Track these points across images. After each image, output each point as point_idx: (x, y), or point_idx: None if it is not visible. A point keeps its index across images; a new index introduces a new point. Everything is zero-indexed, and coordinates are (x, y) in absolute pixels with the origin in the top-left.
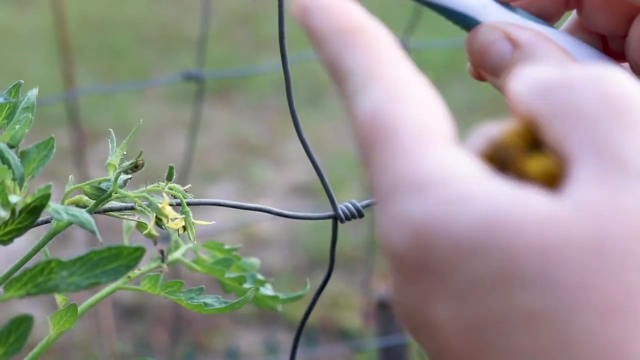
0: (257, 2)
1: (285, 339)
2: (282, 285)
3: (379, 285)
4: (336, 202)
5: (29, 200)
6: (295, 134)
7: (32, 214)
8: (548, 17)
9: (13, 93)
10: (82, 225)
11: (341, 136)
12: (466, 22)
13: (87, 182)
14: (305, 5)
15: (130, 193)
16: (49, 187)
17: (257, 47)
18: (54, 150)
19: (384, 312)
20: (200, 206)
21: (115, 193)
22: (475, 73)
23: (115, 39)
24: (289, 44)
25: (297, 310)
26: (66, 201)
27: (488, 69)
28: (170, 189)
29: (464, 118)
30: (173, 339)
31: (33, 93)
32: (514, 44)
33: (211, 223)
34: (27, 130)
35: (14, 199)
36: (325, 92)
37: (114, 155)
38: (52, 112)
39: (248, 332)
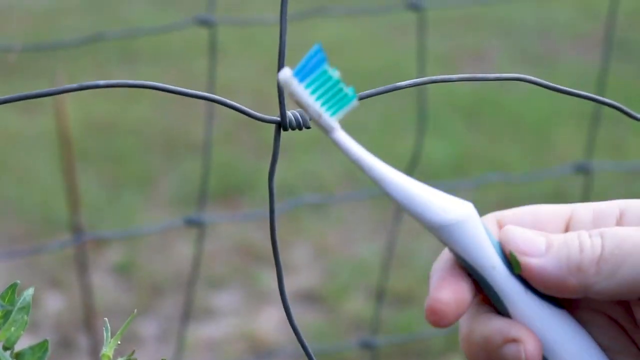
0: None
1: None
2: None
3: None
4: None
5: None
6: (301, 241)
7: None
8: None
9: (9, 295)
10: None
11: (345, 241)
12: (482, 283)
13: None
14: None
15: None
16: None
17: (260, 152)
18: (49, 353)
19: None
20: (205, 313)
21: None
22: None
23: (120, 143)
24: (293, 145)
25: None
26: None
27: None
28: None
29: None
30: None
31: (29, 293)
32: None
33: None
34: (22, 332)
35: None
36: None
37: (109, 345)
38: (57, 216)
39: None
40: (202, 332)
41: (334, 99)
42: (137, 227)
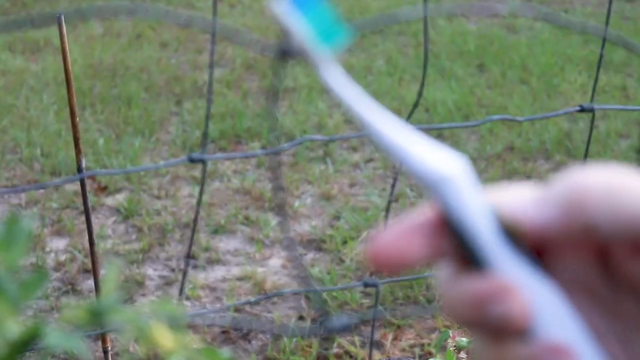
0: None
1: None
2: (288, 340)
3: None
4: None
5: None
6: (307, 189)
7: (24, 345)
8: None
9: (10, 223)
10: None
11: (350, 188)
12: (467, 245)
13: (83, 305)
14: None
15: (127, 312)
16: (41, 321)
17: (267, 95)
18: (48, 277)
19: None
20: (212, 259)
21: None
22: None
23: (125, 86)
24: (294, 92)
25: None
26: (63, 319)
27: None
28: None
29: (477, 168)
30: None
31: (28, 221)
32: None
33: None
34: (22, 256)
35: (9, 328)
36: (336, 146)
37: (112, 276)
38: (62, 162)
39: None
40: (207, 276)
41: (330, 34)
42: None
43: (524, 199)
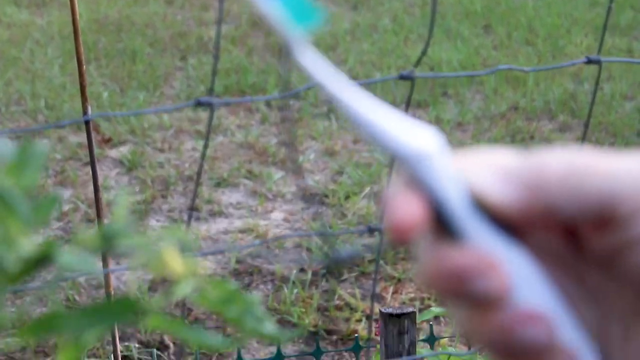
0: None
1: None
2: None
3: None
4: None
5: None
6: (311, 144)
7: (37, 263)
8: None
9: (24, 147)
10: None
11: (354, 144)
12: (442, 215)
13: (95, 233)
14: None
15: (137, 237)
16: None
17: (271, 54)
18: (59, 201)
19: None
20: (215, 211)
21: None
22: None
23: (130, 41)
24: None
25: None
26: (74, 242)
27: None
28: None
29: (481, 127)
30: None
31: (42, 145)
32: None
33: None
34: (38, 177)
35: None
36: None
37: (122, 203)
38: (67, 115)
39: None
40: (210, 228)
41: (304, 16)
42: (146, 121)
43: (491, 173)
